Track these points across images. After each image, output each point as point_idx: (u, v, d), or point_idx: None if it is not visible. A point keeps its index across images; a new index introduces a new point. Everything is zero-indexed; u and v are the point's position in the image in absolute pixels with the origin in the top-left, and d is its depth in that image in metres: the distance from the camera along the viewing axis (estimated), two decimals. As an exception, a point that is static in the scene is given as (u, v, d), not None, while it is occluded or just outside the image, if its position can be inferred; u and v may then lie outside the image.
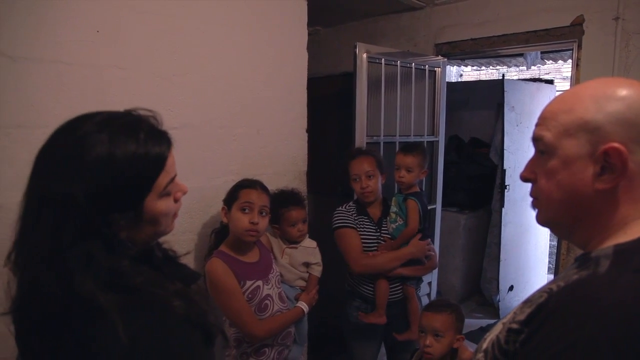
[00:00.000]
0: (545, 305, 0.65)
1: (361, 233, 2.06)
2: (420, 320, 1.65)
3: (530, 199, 0.82)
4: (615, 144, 0.66)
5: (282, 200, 1.86)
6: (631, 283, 0.60)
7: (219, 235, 1.75)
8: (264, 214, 1.66)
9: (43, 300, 0.67)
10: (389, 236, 2.09)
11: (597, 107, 0.68)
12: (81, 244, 0.66)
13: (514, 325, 0.68)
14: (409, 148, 2.12)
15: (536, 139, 0.76)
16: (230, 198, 1.67)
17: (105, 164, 0.68)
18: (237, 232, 1.63)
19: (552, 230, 0.84)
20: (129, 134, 0.72)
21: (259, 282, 1.66)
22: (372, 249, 2.06)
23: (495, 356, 0.70)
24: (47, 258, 0.67)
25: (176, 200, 0.83)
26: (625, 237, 0.68)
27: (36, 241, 0.68)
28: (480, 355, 0.74)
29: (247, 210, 1.61)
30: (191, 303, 0.73)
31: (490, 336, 0.74)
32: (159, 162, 0.75)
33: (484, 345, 0.75)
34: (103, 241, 0.68)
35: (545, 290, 0.68)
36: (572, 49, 2.79)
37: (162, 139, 0.78)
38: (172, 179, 0.79)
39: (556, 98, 0.77)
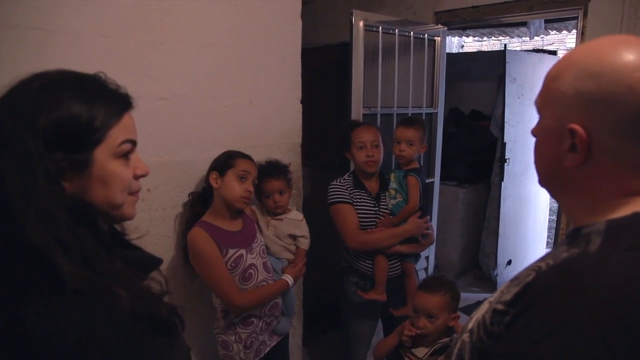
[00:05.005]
0: (532, 285, 0.61)
1: (359, 207, 2.02)
2: (414, 300, 1.62)
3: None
4: (575, 125, 0.63)
5: (259, 172, 1.84)
6: (622, 263, 0.56)
7: (194, 206, 1.74)
8: (254, 184, 1.70)
9: None
10: (387, 212, 2.05)
11: (573, 80, 0.64)
12: (23, 177, 0.62)
13: (500, 306, 0.64)
14: (410, 121, 2.06)
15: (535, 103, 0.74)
16: (225, 165, 1.66)
17: (51, 106, 0.67)
18: (230, 198, 1.64)
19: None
20: (82, 83, 0.72)
21: (242, 251, 1.66)
22: (371, 224, 2.02)
23: (480, 337, 0.66)
24: None
25: (136, 177, 0.78)
26: (615, 213, 0.63)
27: None
28: (466, 335, 0.71)
29: (243, 179, 1.65)
30: (135, 291, 0.67)
31: (477, 315, 0.71)
32: (113, 113, 0.73)
33: (470, 325, 0.71)
34: (46, 179, 0.64)
35: (534, 268, 0.64)
36: (578, 17, 2.70)
37: (119, 96, 0.76)
38: (131, 143, 0.76)
39: (559, 59, 0.72)
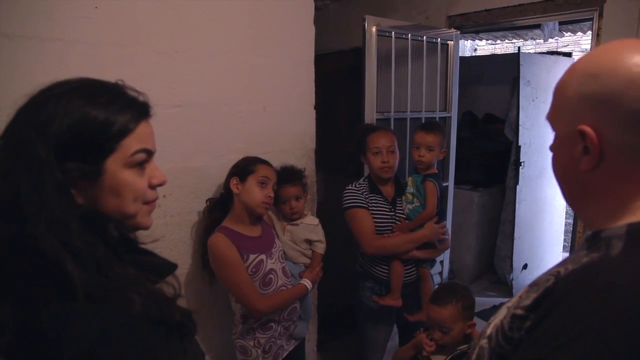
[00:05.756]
0: (552, 290, 0.60)
1: (375, 212, 2.01)
2: (427, 312, 1.61)
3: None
4: (583, 126, 0.63)
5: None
6: None
7: (213, 212, 1.75)
8: (274, 189, 1.72)
9: None
10: (403, 216, 2.04)
11: (577, 85, 0.66)
12: (35, 186, 0.63)
13: (519, 311, 0.63)
14: (430, 126, 2.05)
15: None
16: (245, 170, 1.68)
17: (64, 114, 0.67)
18: (251, 203, 1.66)
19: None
20: (98, 91, 0.71)
21: (262, 256, 1.68)
22: (387, 229, 2.01)
23: (499, 343, 0.66)
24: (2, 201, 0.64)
25: (151, 187, 0.76)
26: (635, 216, 0.62)
27: None
28: (484, 341, 0.70)
29: (264, 184, 1.66)
30: (147, 294, 0.67)
31: (495, 321, 0.70)
32: (126, 123, 0.71)
33: (488, 331, 0.70)
34: (56, 188, 0.64)
35: (553, 273, 0.63)
36: (593, 18, 2.66)
37: (135, 105, 0.75)
38: (146, 152, 0.74)
39: (564, 71, 0.72)
